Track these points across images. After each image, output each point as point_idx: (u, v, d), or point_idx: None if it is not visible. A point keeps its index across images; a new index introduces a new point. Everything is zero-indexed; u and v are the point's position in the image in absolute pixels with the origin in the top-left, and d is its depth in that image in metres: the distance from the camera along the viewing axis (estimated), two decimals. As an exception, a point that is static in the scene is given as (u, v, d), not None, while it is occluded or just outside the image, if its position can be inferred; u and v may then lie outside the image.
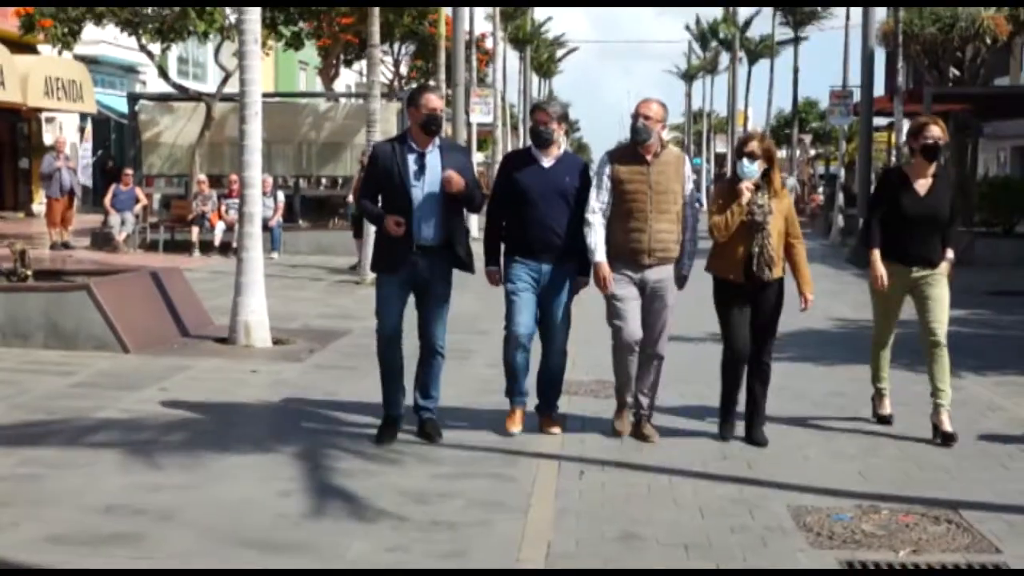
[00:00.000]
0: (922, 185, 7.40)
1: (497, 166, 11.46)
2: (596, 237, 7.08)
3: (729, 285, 7.15)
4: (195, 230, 22.01)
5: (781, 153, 42.44)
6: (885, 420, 7.83)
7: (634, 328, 7.07)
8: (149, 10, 22.29)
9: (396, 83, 39.06)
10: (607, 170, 7.15)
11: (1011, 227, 24.32)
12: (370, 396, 8.02)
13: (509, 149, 43.10)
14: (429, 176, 6.95)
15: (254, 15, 11.49)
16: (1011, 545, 5.38)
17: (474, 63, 35.42)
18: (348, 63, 38.91)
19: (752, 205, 6.98)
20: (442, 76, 27.03)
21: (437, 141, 7.10)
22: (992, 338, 12.74)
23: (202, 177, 23.40)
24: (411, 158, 6.96)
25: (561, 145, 7.41)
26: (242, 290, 11.09)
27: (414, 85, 29.18)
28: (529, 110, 8.46)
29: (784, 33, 51.92)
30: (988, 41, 28.97)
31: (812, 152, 62.45)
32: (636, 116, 7.18)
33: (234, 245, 18.57)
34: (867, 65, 27.63)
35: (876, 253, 7.42)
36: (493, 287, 7.60)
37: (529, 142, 7.57)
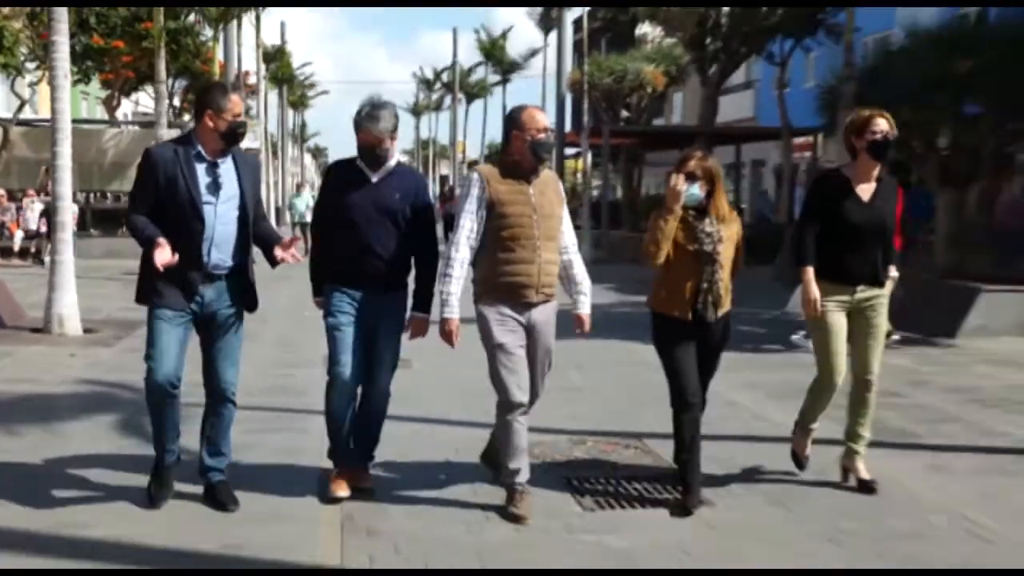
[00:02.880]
0: (866, 190, 5.19)
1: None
2: (455, 286, 4.80)
3: (675, 323, 4.97)
4: (-5, 238, 21.10)
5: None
6: (802, 465, 5.57)
7: (525, 383, 4.84)
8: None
9: (170, 112, 37.91)
10: (479, 191, 4.79)
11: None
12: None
13: (270, 170, 42.34)
14: (225, 191, 4.69)
15: (63, 52, 11.21)
16: None
17: (243, 95, 34.62)
18: (127, 94, 37.49)
19: (699, 232, 4.90)
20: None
21: (231, 151, 4.76)
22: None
23: (1, 192, 22.91)
24: (201, 168, 4.65)
25: (394, 155, 5.04)
26: (55, 287, 10.96)
27: (186, 117, 28.21)
28: (353, 124, 5.16)
29: (495, 79, 53.19)
30: (649, 90, 30.56)
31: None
32: (538, 129, 4.87)
33: (32, 250, 19.93)
34: (559, 106, 28.83)
35: (810, 271, 5.18)
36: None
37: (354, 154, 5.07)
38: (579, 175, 32.88)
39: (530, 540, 4.62)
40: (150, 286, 4.73)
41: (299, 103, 64.44)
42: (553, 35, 31.76)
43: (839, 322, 5.22)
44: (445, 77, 68.04)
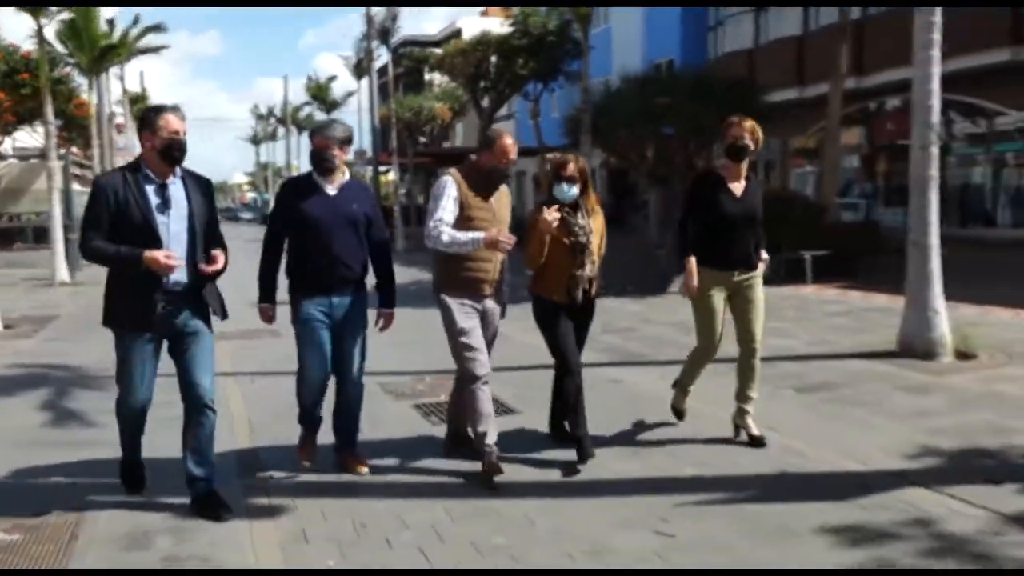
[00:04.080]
0: (737, 186, 4.70)
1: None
2: (463, 235, 4.20)
3: (554, 305, 4.45)
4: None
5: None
6: (678, 415, 5.06)
7: (485, 359, 4.31)
8: None
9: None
10: (454, 192, 4.26)
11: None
12: (90, 353, 7.63)
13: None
14: (176, 210, 3.79)
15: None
16: (494, 386, 6.21)
17: (112, 133, 32.21)
18: (7, 133, 34.30)
19: (574, 226, 4.39)
20: (95, 141, 24.35)
21: (179, 170, 3.84)
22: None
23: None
24: (150, 189, 3.74)
25: (345, 172, 4.33)
26: (-25, 292, 9.82)
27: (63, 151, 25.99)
28: (308, 134, 4.59)
29: (321, 115, 51.59)
30: (439, 121, 30.83)
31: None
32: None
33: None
34: (374, 134, 28.51)
35: (692, 261, 4.65)
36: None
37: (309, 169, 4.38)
38: (391, 186, 32.93)
39: (399, 447, 4.71)
40: (117, 309, 3.79)
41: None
42: (365, 80, 31.28)
43: (719, 304, 4.71)
44: (278, 112, 65.63)
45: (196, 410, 3.87)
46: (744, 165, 4.74)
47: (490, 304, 4.45)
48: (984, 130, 17.46)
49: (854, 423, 4.97)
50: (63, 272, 16.09)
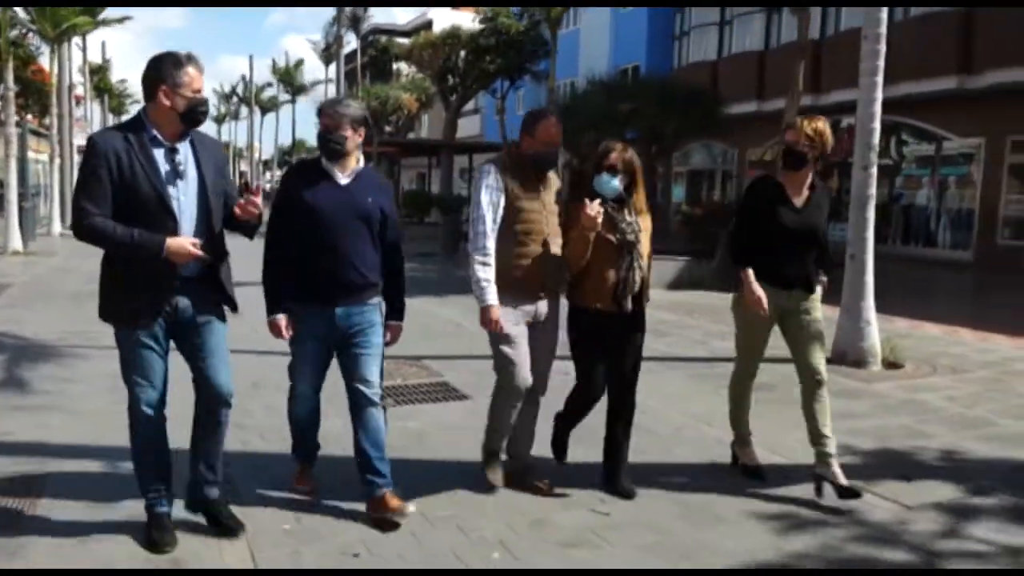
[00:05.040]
0: (798, 197, 4.01)
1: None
2: (490, 272, 3.64)
3: (594, 315, 3.78)
4: None
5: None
6: (754, 472, 4.23)
7: (527, 373, 3.76)
8: None
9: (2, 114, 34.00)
10: (494, 182, 3.68)
11: (422, 219, 25.79)
12: (44, 323, 7.63)
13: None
14: (187, 181, 3.13)
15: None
16: (449, 374, 6.19)
17: (72, 103, 31.57)
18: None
19: (621, 223, 3.77)
20: (54, 110, 23.86)
21: (188, 133, 3.17)
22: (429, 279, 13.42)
23: None
24: (159, 155, 3.07)
25: (359, 158, 3.57)
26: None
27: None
28: (316, 111, 3.56)
29: (286, 98, 51.18)
30: (405, 112, 30.83)
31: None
32: (546, 143, 3.75)
33: None
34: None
35: (751, 273, 3.98)
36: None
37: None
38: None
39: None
40: (118, 301, 3.16)
41: (118, 110, 59.38)
42: (332, 66, 31.12)
43: (767, 324, 4.08)
44: (241, 92, 64.84)
45: (212, 410, 3.32)
46: (806, 174, 4.04)
47: (543, 308, 3.84)
48: (932, 153, 18.17)
49: (784, 421, 5.28)
50: (16, 241, 15.85)
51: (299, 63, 50.02)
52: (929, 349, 7.80)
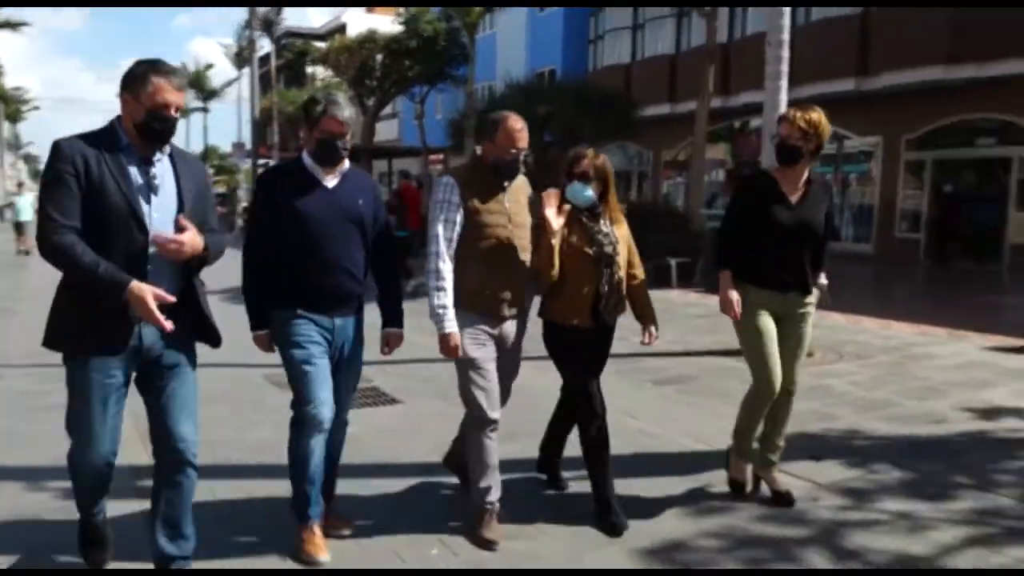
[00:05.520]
0: (793, 193, 3.75)
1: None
2: (446, 298, 3.34)
3: (570, 331, 3.57)
4: None
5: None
6: (741, 488, 4.01)
7: (496, 399, 3.48)
8: None
9: None
10: (456, 197, 3.37)
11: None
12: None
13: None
14: (164, 198, 2.80)
15: None
16: (378, 379, 6.20)
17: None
18: None
19: (596, 234, 3.56)
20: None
21: (167, 147, 2.85)
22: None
23: None
24: (133, 170, 2.75)
25: (344, 160, 3.29)
26: None
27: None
28: (318, 114, 3.17)
29: (198, 104, 49.69)
30: (322, 116, 30.58)
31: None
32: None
33: None
34: (254, 127, 27.87)
35: (728, 275, 3.81)
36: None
37: (304, 156, 3.26)
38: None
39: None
40: (71, 327, 2.74)
41: (14, 117, 56.66)
42: (245, 70, 30.55)
43: (771, 324, 3.77)
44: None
45: (174, 468, 2.87)
46: (802, 169, 3.76)
47: (509, 329, 3.57)
48: (835, 151, 19.07)
49: (703, 411, 5.55)
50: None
51: (208, 67, 48.74)
52: (835, 337, 8.26)
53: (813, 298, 3.87)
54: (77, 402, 2.80)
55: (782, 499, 3.89)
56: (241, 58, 31.38)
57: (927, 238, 17.04)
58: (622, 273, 3.67)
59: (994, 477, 4.25)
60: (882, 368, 6.92)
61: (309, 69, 36.13)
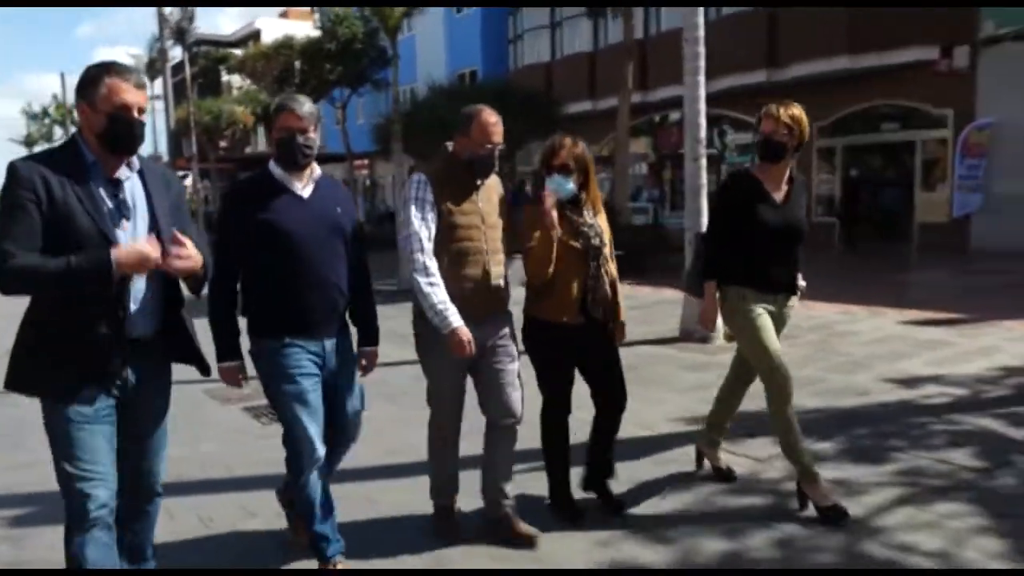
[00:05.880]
0: (777, 192, 3.66)
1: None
2: (442, 292, 3.12)
3: (558, 328, 3.41)
4: None
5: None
6: (726, 475, 4.08)
7: (459, 406, 3.38)
8: None
9: None
10: (430, 196, 3.18)
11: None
12: None
13: None
14: (137, 220, 2.51)
15: None
16: None
17: None
18: None
19: (582, 226, 3.42)
20: None
21: (136, 162, 2.54)
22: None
23: None
24: (101, 190, 2.43)
25: (315, 166, 3.07)
26: None
27: None
28: (274, 112, 2.96)
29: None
30: (240, 126, 29.92)
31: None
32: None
33: None
34: (171, 138, 27.22)
35: (712, 287, 3.71)
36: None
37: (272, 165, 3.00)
38: (188, 191, 31.58)
39: (235, 445, 4.86)
40: (45, 366, 2.41)
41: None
42: (158, 80, 29.72)
43: (768, 320, 3.66)
44: (53, 112, 60.43)
45: (142, 499, 2.73)
46: (785, 166, 3.69)
47: (490, 331, 3.32)
48: (751, 141, 19.73)
49: (643, 398, 5.72)
50: None
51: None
52: (763, 320, 8.59)
53: (796, 299, 3.81)
54: (70, 452, 2.45)
55: (724, 476, 4.06)
56: (154, 69, 30.48)
57: (839, 221, 17.80)
58: (610, 267, 3.55)
59: (917, 441, 4.54)
60: (810, 347, 7.25)
61: (225, 77, 35.38)
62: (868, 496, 3.81)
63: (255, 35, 36.74)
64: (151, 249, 2.37)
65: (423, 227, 3.16)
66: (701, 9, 7.61)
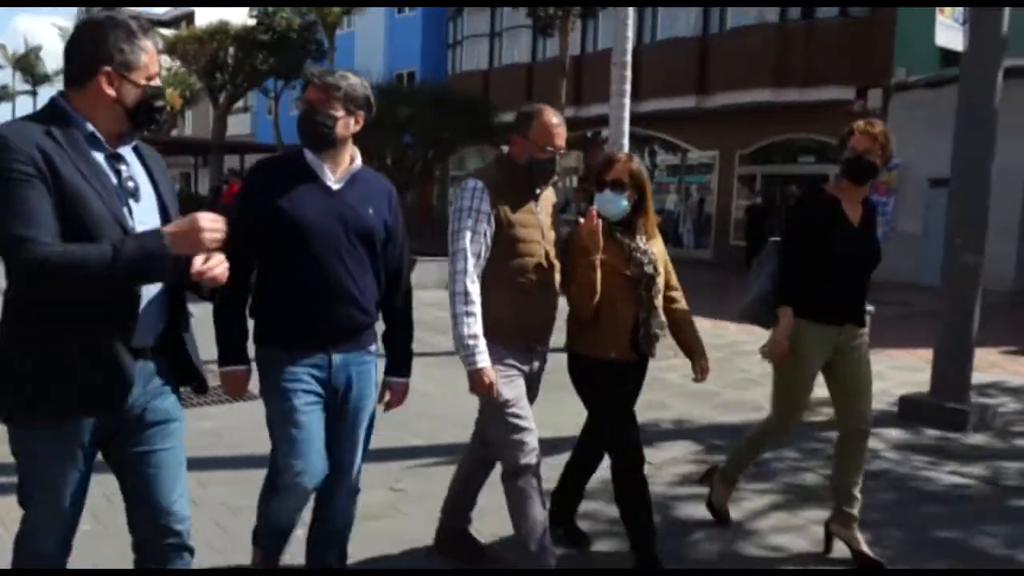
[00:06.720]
0: (855, 214, 3.35)
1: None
2: (476, 325, 2.75)
3: (607, 365, 3.03)
4: None
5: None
6: (724, 517, 3.83)
7: (535, 440, 2.94)
8: None
9: None
10: (486, 205, 2.77)
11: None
12: None
13: None
14: (144, 202, 1.99)
15: None
16: None
17: None
18: None
19: (634, 252, 2.99)
20: None
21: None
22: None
23: None
24: (101, 161, 1.91)
25: (355, 154, 2.59)
26: None
27: None
28: (302, 84, 2.51)
29: (26, 87, 46.04)
30: (168, 108, 29.09)
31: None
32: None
33: None
34: (90, 115, 26.34)
35: (789, 314, 3.34)
36: None
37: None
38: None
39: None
40: (36, 381, 1.90)
41: None
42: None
43: (816, 370, 3.44)
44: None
45: (167, 556, 2.14)
46: (867, 188, 3.40)
47: (536, 365, 3.06)
48: (678, 163, 20.40)
49: (551, 403, 5.94)
50: None
51: (36, 49, 45.33)
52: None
53: (866, 328, 3.49)
54: (36, 476, 2.02)
55: (869, 563, 3.34)
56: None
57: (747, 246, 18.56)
58: (660, 300, 3.10)
59: (800, 456, 4.93)
60: (712, 363, 7.58)
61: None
62: (748, 503, 4.14)
63: (189, 17, 35.91)
64: (210, 222, 1.85)
65: (474, 242, 2.76)
66: (630, 34, 7.96)
